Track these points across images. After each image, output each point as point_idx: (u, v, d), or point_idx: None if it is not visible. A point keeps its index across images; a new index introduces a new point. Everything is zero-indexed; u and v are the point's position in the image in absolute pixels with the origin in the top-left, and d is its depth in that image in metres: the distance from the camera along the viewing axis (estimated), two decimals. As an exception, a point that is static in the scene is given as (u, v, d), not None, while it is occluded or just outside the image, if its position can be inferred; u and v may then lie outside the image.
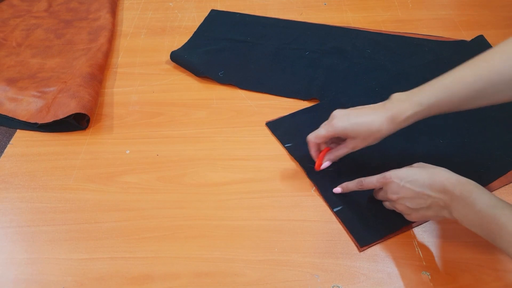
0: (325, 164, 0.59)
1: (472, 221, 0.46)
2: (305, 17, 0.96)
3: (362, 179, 0.55)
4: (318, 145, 0.59)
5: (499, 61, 0.48)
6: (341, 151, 0.57)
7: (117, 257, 0.54)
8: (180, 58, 0.84)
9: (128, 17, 1.00)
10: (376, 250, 0.54)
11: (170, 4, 1.04)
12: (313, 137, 0.58)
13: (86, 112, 0.69)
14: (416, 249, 0.54)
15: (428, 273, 0.51)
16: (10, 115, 0.74)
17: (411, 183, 0.49)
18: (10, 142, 0.70)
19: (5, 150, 0.69)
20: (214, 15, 0.98)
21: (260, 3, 1.02)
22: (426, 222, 0.56)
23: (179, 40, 0.91)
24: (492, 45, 0.84)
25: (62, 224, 0.58)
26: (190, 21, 0.97)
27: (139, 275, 0.52)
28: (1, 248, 0.56)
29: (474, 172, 0.62)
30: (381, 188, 0.55)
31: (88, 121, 0.72)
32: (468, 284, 0.50)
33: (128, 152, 0.68)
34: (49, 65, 0.84)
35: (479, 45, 0.85)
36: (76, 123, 0.71)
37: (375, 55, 0.84)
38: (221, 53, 0.86)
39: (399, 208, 0.52)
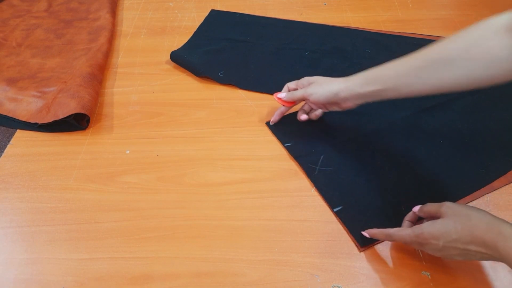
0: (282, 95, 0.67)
1: None
2: (305, 17, 0.96)
3: (391, 232, 0.50)
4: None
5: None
6: (297, 93, 0.65)
7: (117, 257, 0.54)
8: (180, 58, 0.84)
9: (128, 17, 1.00)
10: (376, 250, 0.54)
11: (170, 4, 1.04)
12: (289, 98, 0.66)
13: (86, 112, 0.69)
14: (416, 249, 0.54)
15: (428, 273, 0.51)
16: (10, 115, 0.74)
17: (451, 243, 0.45)
18: (10, 142, 0.70)
19: (5, 150, 0.69)
20: (214, 15, 0.98)
21: (260, 3, 1.02)
22: None
23: (179, 40, 0.91)
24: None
25: (62, 224, 0.58)
26: (190, 21, 0.97)
27: (139, 275, 0.52)
28: (1, 248, 0.56)
29: (474, 172, 0.62)
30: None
31: (88, 121, 0.72)
32: (468, 284, 0.50)
33: (128, 152, 0.68)
34: (49, 65, 0.84)
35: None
36: (76, 123, 0.71)
37: (375, 55, 0.84)
38: (221, 53, 0.86)
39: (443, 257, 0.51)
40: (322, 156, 0.65)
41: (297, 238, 0.56)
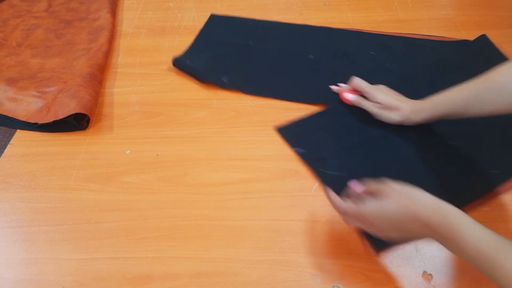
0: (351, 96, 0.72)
1: (462, 256, 0.42)
2: (305, 17, 0.96)
3: (336, 200, 0.51)
4: None
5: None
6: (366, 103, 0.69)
7: (117, 257, 0.54)
8: (182, 64, 0.83)
9: (128, 17, 1.00)
10: (376, 250, 0.54)
11: (170, 4, 1.04)
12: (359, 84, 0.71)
13: (86, 112, 0.69)
14: (416, 249, 0.54)
15: (428, 273, 0.51)
16: (10, 115, 0.74)
17: (391, 222, 0.45)
18: (10, 142, 0.71)
19: (5, 150, 0.69)
20: (214, 20, 0.97)
21: (260, 4, 1.02)
22: None
23: (179, 40, 0.91)
24: (494, 44, 0.84)
25: (62, 224, 0.58)
26: (190, 21, 0.97)
27: (139, 275, 0.52)
28: (1, 248, 0.56)
29: (487, 173, 0.61)
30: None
31: (88, 121, 0.72)
32: (468, 284, 0.50)
33: (128, 152, 0.68)
34: (49, 65, 0.84)
35: (482, 45, 0.84)
36: (76, 123, 0.71)
37: (379, 57, 0.84)
38: (223, 58, 0.85)
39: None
40: (335, 161, 0.64)
41: (297, 238, 0.56)
